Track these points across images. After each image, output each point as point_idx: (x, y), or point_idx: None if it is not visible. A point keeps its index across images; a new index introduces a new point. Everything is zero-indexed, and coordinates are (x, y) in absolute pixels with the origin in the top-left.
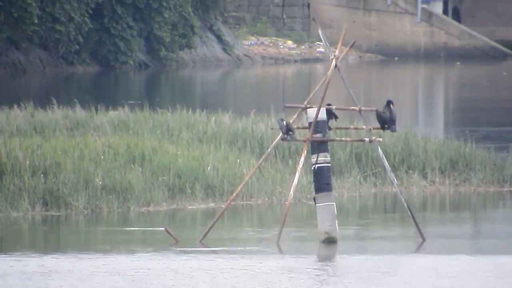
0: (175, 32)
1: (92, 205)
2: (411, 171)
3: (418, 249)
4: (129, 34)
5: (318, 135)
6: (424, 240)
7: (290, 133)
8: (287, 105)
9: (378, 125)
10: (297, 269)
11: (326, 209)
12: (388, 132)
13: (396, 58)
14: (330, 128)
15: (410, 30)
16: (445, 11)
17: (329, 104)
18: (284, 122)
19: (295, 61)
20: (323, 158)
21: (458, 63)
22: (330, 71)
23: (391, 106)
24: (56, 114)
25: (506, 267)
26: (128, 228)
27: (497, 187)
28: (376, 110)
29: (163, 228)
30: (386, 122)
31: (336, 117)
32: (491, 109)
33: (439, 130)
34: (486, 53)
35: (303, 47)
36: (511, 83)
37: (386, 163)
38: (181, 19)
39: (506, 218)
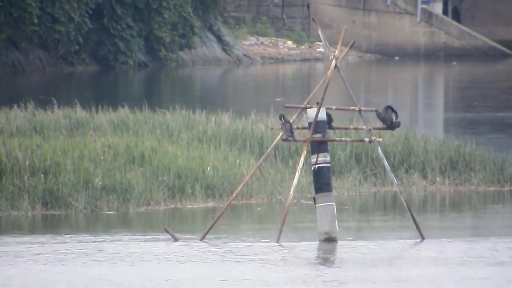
0: (174, 32)
1: (92, 205)
2: (411, 171)
3: (417, 248)
4: (128, 34)
5: (318, 135)
6: (423, 239)
7: (290, 138)
8: (287, 105)
9: (378, 125)
10: (297, 268)
11: (326, 209)
12: (388, 132)
13: (397, 58)
14: (332, 128)
15: (409, 30)
16: (445, 11)
17: (328, 108)
18: (288, 124)
19: (295, 61)
20: (323, 158)
21: (455, 63)
22: (330, 71)
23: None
24: (56, 114)
25: (506, 266)
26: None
27: (497, 187)
28: (376, 111)
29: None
30: (385, 122)
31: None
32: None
33: (439, 130)
34: (485, 53)
35: (303, 47)
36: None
37: (386, 163)
38: (180, 19)
39: (506, 217)
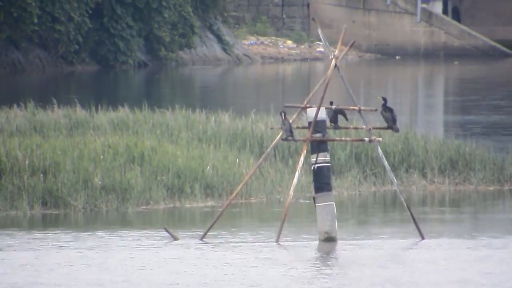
0: (174, 31)
1: (91, 205)
2: (411, 171)
3: (417, 248)
4: (128, 33)
5: (318, 134)
6: (423, 239)
7: (290, 138)
8: (286, 104)
9: (377, 125)
10: (296, 267)
11: (325, 208)
12: (388, 131)
13: (397, 57)
14: (338, 128)
15: (409, 30)
16: (444, 11)
17: (331, 103)
18: (288, 124)
19: (295, 60)
20: (322, 158)
21: (456, 62)
22: (329, 71)
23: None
24: (55, 114)
25: (505, 263)
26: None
27: (497, 186)
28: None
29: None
30: (388, 121)
31: (345, 117)
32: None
33: (439, 130)
34: (485, 52)
35: (303, 46)
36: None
37: (385, 163)
38: (180, 19)
39: (506, 217)
